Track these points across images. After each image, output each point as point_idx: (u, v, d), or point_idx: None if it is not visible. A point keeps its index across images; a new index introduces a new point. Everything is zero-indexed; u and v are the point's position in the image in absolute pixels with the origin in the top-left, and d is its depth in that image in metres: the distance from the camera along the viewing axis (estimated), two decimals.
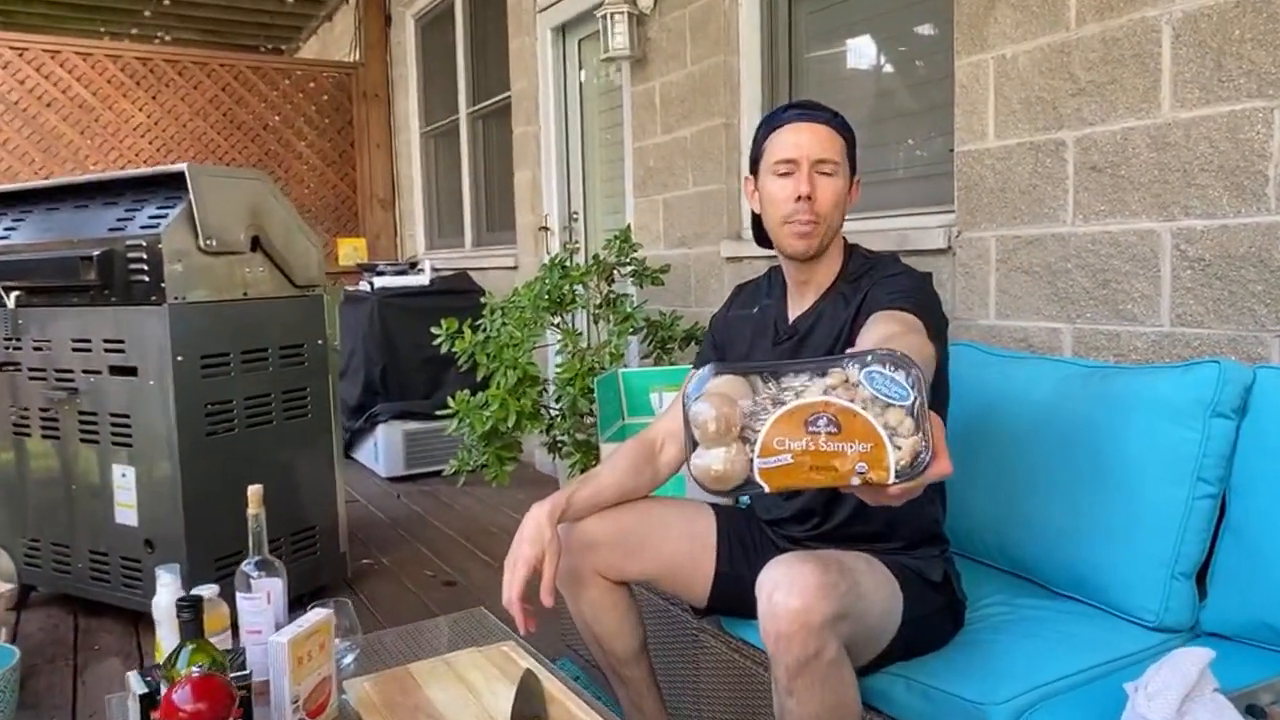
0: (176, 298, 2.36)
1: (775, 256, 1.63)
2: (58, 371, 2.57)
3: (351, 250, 6.21)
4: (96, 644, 2.53)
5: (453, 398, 2.82)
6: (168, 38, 7.58)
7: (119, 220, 2.45)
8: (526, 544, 1.46)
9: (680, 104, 3.35)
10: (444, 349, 2.92)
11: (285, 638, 1.29)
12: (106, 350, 2.46)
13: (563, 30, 4.24)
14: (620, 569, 1.60)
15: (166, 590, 1.48)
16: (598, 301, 3.09)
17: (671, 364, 2.97)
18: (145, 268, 2.35)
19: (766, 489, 0.92)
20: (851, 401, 0.90)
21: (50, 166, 5.40)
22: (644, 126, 3.58)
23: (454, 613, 1.83)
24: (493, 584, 2.78)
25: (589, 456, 2.83)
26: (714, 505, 1.70)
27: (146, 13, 7.02)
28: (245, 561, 1.49)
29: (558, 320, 3.00)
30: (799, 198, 1.49)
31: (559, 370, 2.81)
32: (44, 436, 2.63)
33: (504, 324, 2.81)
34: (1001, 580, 1.75)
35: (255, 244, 2.57)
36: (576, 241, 4.18)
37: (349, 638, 1.60)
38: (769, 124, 1.55)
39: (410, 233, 6.26)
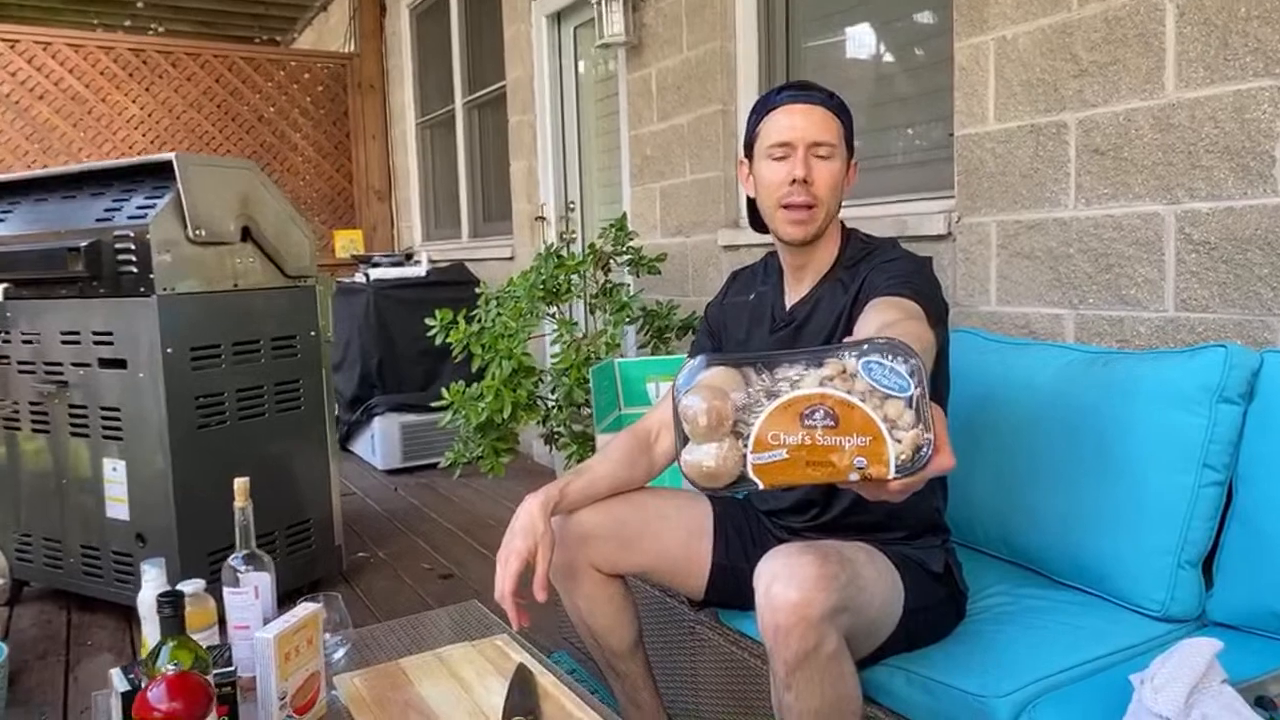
0: (165, 289, 2.33)
1: (772, 243, 1.60)
2: (47, 365, 2.53)
3: (348, 242, 6.17)
4: (89, 639, 2.51)
5: (447, 389, 2.79)
6: (161, 29, 7.52)
7: (106, 211, 2.42)
8: (519, 537, 1.43)
9: (676, 91, 3.31)
10: (438, 340, 2.89)
11: (271, 633, 1.26)
12: (95, 343, 2.43)
13: (558, 17, 4.20)
14: (615, 562, 1.57)
15: (152, 585, 1.45)
16: (594, 291, 3.06)
17: (669, 353, 2.94)
18: (133, 258, 2.32)
19: (760, 486, 0.89)
20: (849, 393, 0.86)
21: (43, 159, 5.36)
22: (640, 114, 3.54)
23: (449, 606, 1.80)
24: (490, 577, 2.74)
25: (586, 447, 2.80)
26: (710, 496, 1.67)
27: (140, 4, 6.96)
28: (232, 556, 1.47)
29: (553, 310, 2.96)
30: (794, 181, 1.46)
31: (554, 360, 2.78)
32: (34, 430, 2.60)
33: (499, 314, 2.77)
34: (1004, 570, 1.72)
35: (246, 234, 2.54)
36: (573, 231, 4.14)
37: (340, 632, 1.57)
38: (763, 106, 1.51)
39: (407, 224, 6.22)
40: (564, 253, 3.00)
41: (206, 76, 5.85)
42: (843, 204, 1.55)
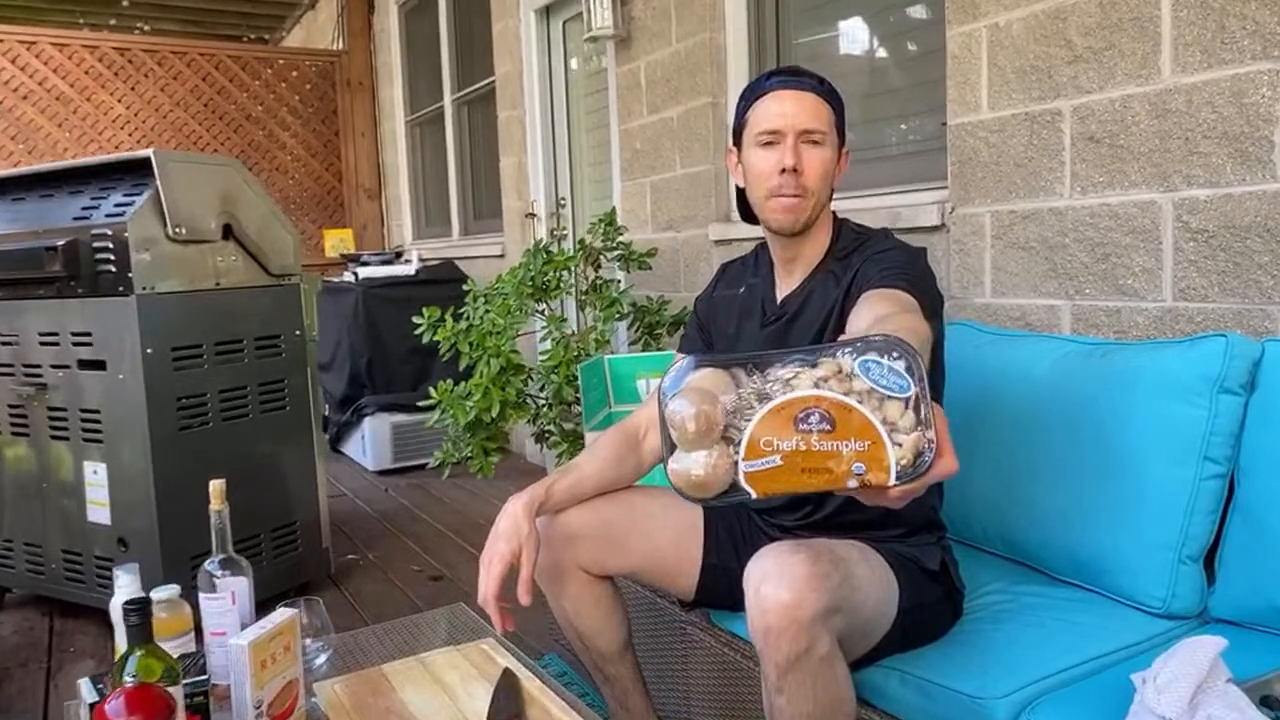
0: (145, 288, 2.28)
1: (763, 235, 1.56)
2: (26, 367, 2.49)
3: (338, 241, 6.13)
4: (71, 646, 2.46)
5: (434, 388, 2.74)
6: (147, 28, 7.45)
7: (84, 209, 2.37)
8: (502, 539, 1.39)
9: (666, 84, 3.27)
10: (425, 338, 2.85)
11: (246, 640, 1.22)
12: (75, 344, 2.38)
13: (546, 11, 4.15)
14: (603, 563, 1.53)
15: (125, 591, 1.40)
16: (584, 288, 3.02)
17: (660, 350, 2.90)
18: (111, 257, 2.27)
19: (753, 495, 0.84)
20: (846, 395, 0.82)
21: (27, 160, 5.30)
22: (629, 108, 3.50)
23: (434, 609, 1.76)
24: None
25: (576, 446, 2.76)
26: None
27: (125, 2, 6.90)
28: (208, 560, 1.42)
29: (542, 307, 2.92)
30: (784, 170, 1.42)
31: (543, 358, 2.74)
32: (14, 434, 2.55)
33: (487, 312, 2.73)
34: (1001, 567, 1.68)
35: (228, 232, 2.49)
36: (564, 228, 4.10)
37: (321, 637, 1.53)
38: (752, 92, 1.47)
39: (397, 223, 6.18)
40: (553, 248, 2.96)
41: (193, 75, 5.79)
42: (834, 194, 1.51)
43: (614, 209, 3.23)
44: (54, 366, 2.44)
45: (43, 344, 2.44)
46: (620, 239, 3.03)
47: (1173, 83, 1.75)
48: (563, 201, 4.16)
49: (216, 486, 1.43)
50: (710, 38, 3.03)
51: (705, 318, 1.68)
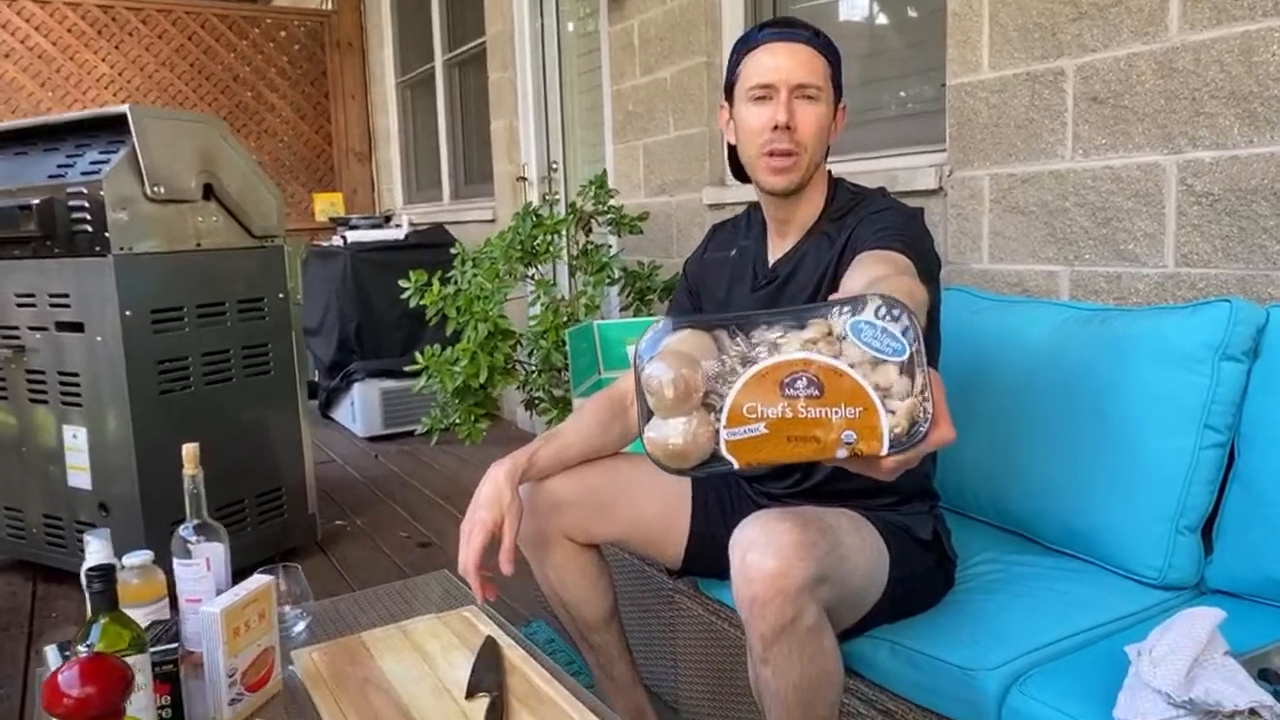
0: (122, 248, 2.22)
1: (756, 196, 1.51)
2: (3, 329, 2.43)
3: (329, 205, 6.03)
4: (54, 611, 2.43)
5: (420, 353, 2.70)
6: None
7: (59, 167, 2.31)
8: (483, 508, 1.35)
9: (659, 43, 3.19)
10: (412, 303, 2.79)
11: (218, 607, 1.19)
12: (52, 305, 2.33)
13: None
14: (588, 531, 1.50)
15: (96, 558, 1.37)
16: (575, 252, 2.96)
17: (651, 315, 2.86)
18: (87, 217, 2.21)
19: (736, 465, 0.79)
20: (836, 358, 0.77)
21: (9, 120, 5.19)
22: (622, 68, 3.42)
23: (418, 576, 1.73)
24: None
25: (566, 413, 2.72)
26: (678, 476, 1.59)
27: None
28: (182, 525, 1.39)
29: (532, 272, 2.87)
30: (776, 127, 1.36)
31: (532, 323, 2.69)
32: None
33: (474, 275, 2.68)
34: (993, 536, 1.66)
35: (208, 192, 2.43)
36: (556, 193, 4.03)
37: (300, 604, 1.50)
38: (744, 44, 1.42)
39: (388, 187, 6.09)
40: (544, 212, 2.90)
41: (179, 34, 5.67)
42: (830, 153, 1.46)
43: (605, 172, 3.16)
44: (32, 328, 2.39)
45: (19, 305, 2.39)
46: (611, 203, 2.97)
47: (1180, 40, 1.69)
48: (554, 165, 4.09)
49: (190, 450, 1.39)
50: None
51: (695, 281, 1.63)
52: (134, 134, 2.22)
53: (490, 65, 4.37)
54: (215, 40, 5.77)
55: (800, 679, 1.14)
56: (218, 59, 5.79)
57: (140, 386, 2.27)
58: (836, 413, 0.77)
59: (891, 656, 1.32)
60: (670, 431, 0.79)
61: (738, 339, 0.80)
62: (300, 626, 1.49)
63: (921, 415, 0.76)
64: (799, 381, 0.77)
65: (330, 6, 6.15)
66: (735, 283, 1.55)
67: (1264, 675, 1.05)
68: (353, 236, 4.51)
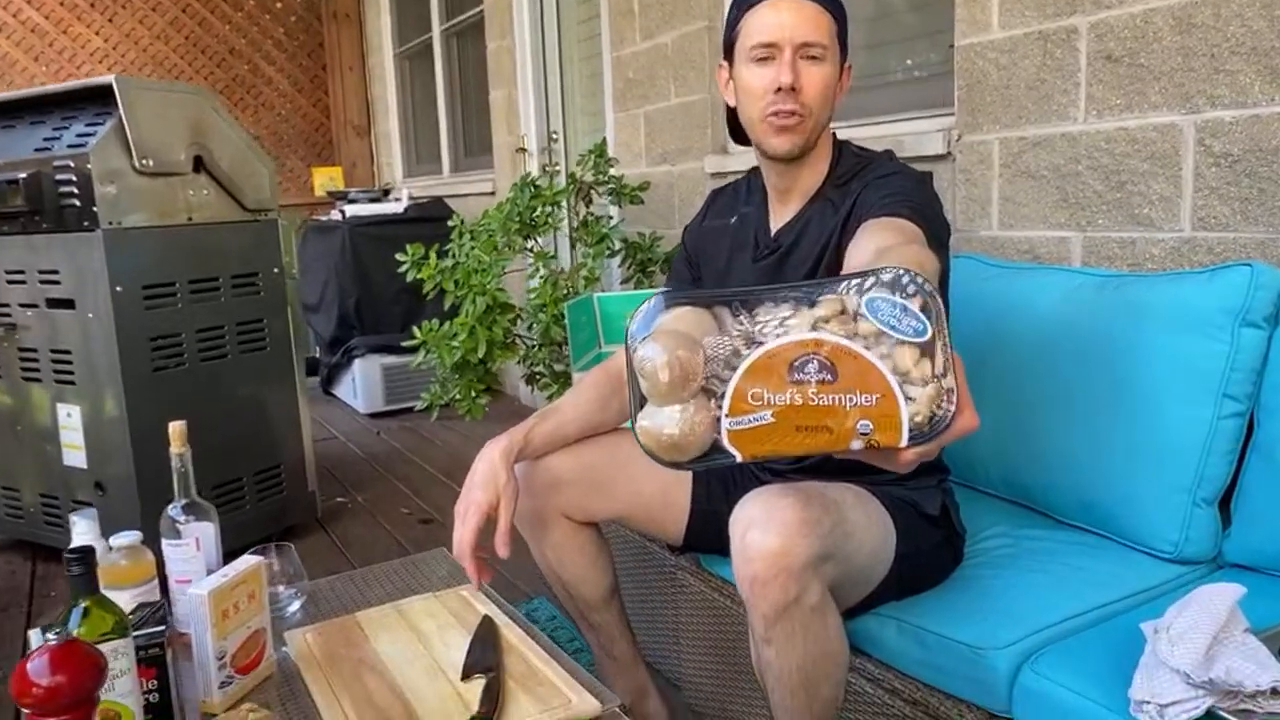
0: (111, 223, 2.18)
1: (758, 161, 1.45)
2: None
3: (328, 180, 5.97)
4: (52, 590, 2.42)
5: (419, 328, 2.65)
6: None
7: (46, 140, 2.26)
8: (478, 489, 1.31)
9: (660, 7, 3.11)
10: (409, 277, 2.75)
11: (205, 589, 1.16)
12: (42, 282, 2.29)
13: None
14: (587, 509, 1.46)
15: (83, 539, 1.34)
16: (575, 224, 2.91)
17: (652, 288, 2.81)
18: (75, 190, 2.16)
19: (739, 458, 0.71)
20: (850, 339, 0.70)
21: None
22: (622, 34, 3.35)
23: (415, 555, 1.70)
24: None
25: (567, 388, 2.68)
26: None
27: None
28: (171, 505, 1.36)
29: (530, 244, 2.81)
30: (780, 89, 1.30)
31: (531, 296, 2.65)
32: None
33: (472, 248, 2.63)
34: (1003, 510, 1.61)
35: (199, 164, 2.38)
36: (556, 164, 3.97)
37: (294, 584, 1.47)
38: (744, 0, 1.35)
39: (387, 160, 6.02)
40: (543, 183, 2.84)
41: (172, 6, 5.58)
42: (834, 116, 1.40)
43: (604, 140, 3.10)
44: (23, 305, 2.35)
45: (10, 282, 2.35)
46: (612, 172, 2.91)
47: None
48: (555, 135, 4.02)
49: (176, 428, 1.35)
50: None
51: (694, 250, 1.58)
52: (121, 105, 2.17)
53: (488, 34, 4.29)
54: (210, 12, 5.68)
55: (804, 659, 1.11)
56: (213, 31, 5.70)
57: (133, 364, 2.23)
58: (851, 400, 0.70)
59: (898, 635, 1.28)
60: (665, 420, 0.72)
61: (741, 317, 0.73)
62: (294, 606, 1.46)
63: (944, 402, 0.69)
64: (809, 365, 0.70)
65: None
66: (736, 252, 1.50)
67: None
68: (351, 211, 4.46)
